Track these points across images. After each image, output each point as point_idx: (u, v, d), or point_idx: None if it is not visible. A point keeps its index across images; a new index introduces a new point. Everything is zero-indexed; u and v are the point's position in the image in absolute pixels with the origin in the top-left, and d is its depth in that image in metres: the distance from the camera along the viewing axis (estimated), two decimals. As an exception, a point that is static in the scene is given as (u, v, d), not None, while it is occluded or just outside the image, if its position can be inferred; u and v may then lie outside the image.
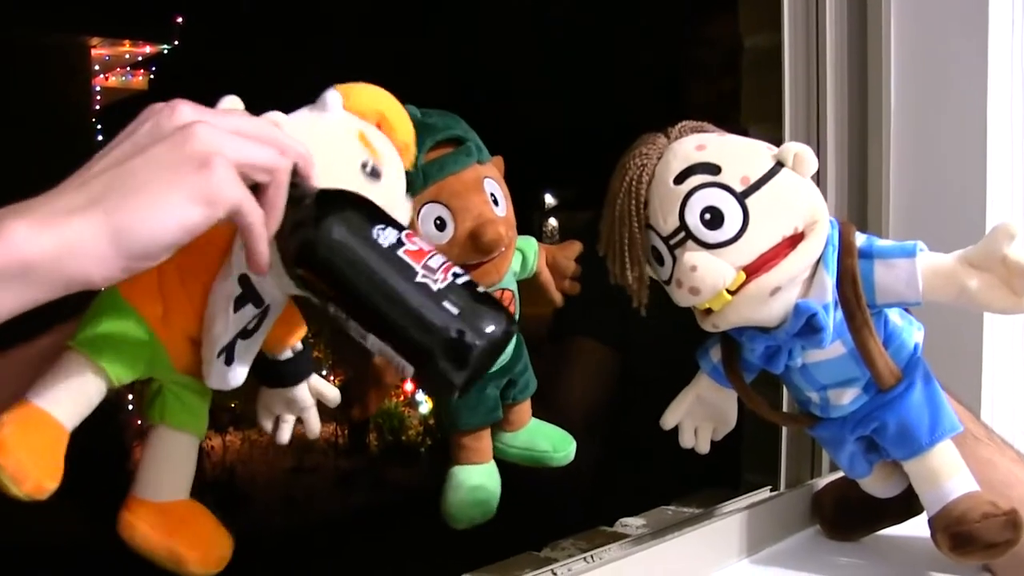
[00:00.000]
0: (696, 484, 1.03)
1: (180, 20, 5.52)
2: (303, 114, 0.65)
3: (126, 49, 5.84)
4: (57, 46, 5.15)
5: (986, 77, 1.07)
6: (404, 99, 0.72)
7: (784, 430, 1.02)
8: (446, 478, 0.83)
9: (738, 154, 0.71)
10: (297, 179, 0.56)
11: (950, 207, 1.09)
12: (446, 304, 0.53)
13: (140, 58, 6.05)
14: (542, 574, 0.76)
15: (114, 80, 6.18)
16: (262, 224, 0.53)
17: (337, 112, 0.65)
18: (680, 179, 0.70)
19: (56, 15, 4.77)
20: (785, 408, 0.97)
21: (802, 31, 1.05)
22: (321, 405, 0.73)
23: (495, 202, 0.75)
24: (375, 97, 0.68)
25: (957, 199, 1.09)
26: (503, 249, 0.75)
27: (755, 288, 0.69)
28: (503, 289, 0.80)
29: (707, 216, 0.69)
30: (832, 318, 0.71)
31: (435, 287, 0.53)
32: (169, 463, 0.64)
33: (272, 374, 0.70)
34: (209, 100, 0.64)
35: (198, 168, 0.49)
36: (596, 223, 0.77)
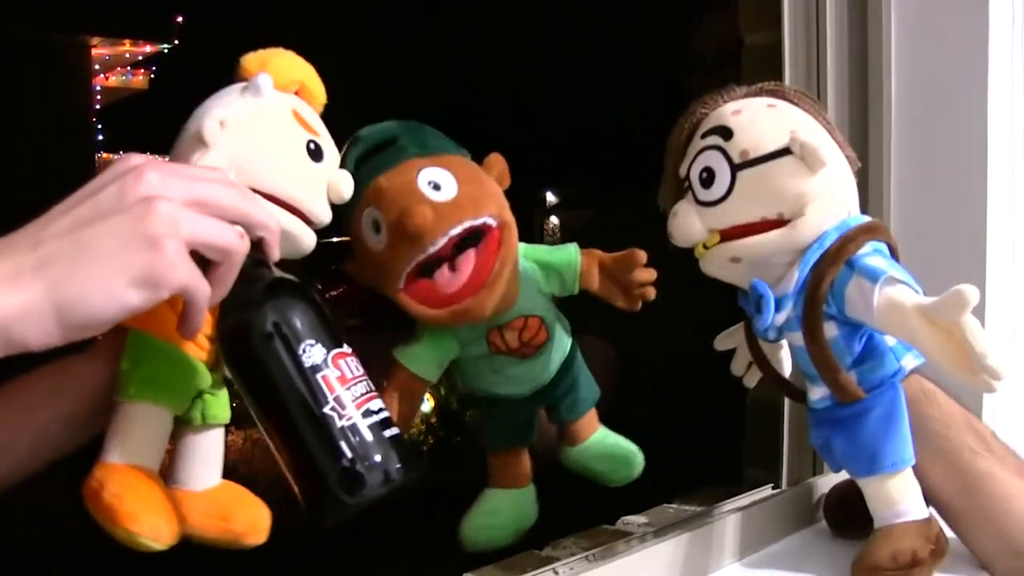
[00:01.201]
0: (697, 481, 1.03)
1: (180, 20, 5.52)
2: (242, 104, 0.65)
3: (126, 48, 5.85)
4: (57, 46, 5.15)
5: (987, 74, 1.07)
6: (404, 97, 0.71)
7: (786, 428, 1.02)
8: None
9: (757, 128, 0.74)
10: (260, 255, 0.56)
11: (951, 204, 1.09)
12: (342, 445, 0.53)
13: (140, 57, 6.06)
14: (544, 573, 0.75)
15: (114, 79, 6.19)
16: (205, 301, 0.53)
17: (270, 95, 0.65)
18: (704, 135, 0.76)
19: (56, 15, 4.77)
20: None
21: (802, 29, 1.05)
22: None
23: (436, 188, 0.69)
24: (293, 67, 0.69)
25: (958, 196, 1.09)
26: (448, 236, 0.68)
27: (717, 252, 0.75)
28: (527, 316, 0.76)
29: (704, 175, 0.74)
30: (788, 310, 0.74)
31: (338, 424, 0.53)
32: (211, 454, 0.67)
33: None
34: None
35: (148, 249, 0.49)
36: (599, 220, 0.77)
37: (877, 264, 0.71)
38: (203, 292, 0.52)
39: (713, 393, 1.00)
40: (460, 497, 0.88)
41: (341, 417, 0.53)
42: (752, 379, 0.90)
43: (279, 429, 0.55)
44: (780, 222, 0.72)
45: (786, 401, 1.01)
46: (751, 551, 0.88)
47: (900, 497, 0.76)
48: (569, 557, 0.78)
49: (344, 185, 0.68)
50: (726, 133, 0.74)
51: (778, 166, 0.72)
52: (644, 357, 1.32)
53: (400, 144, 0.71)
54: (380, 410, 0.55)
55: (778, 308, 0.74)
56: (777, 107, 0.76)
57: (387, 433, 0.54)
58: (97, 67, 5.84)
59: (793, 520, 0.95)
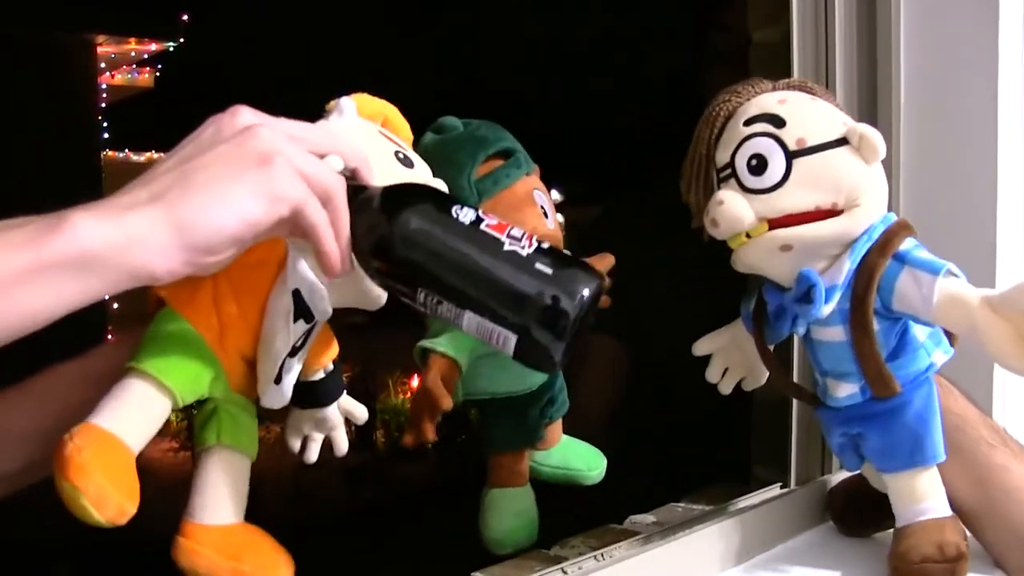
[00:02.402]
0: (705, 480, 1.03)
1: (186, 18, 5.53)
2: (330, 123, 0.65)
3: (132, 47, 5.85)
4: (63, 44, 5.16)
5: (996, 68, 1.06)
6: (406, 95, 0.71)
7: (795, 426, 1.02)
8: (483, 501, 0.83)
9: (809, 117, 0.74)
10: (359, 183, 0.57)
11: (961, 200, 1.08)
12: (539, 266, 0.53)
13: (146, 56, 6.06)
14: (552, 572, 0.75)
15: (120, 78, 6.19)
16: (327, 224, 0.53)
17: (354, 117, 0.66)
18: (749, 122, 0.74)
19: (62, 13, 4.78)
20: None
21: (811, 24, 1.05)
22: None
23: (544, 214, 0.75)
24: (375, 102, 0.69)
25: (967, 192, 1.08)
26: None
27: (768, 238, 0.72)
28: None
29: (753, 162, 0.72)
30: (835, 301, 0.73)
31: (524, 253, 0.53)
32: (227, 485, 0.62)
33: (305, 394, 0.68)
34: (215, 97, 0.64)
35: (260, 164, 0.50)
36: (604, 218, 0.76)
37: (930, 257, 0.72)
38: (321, 213, 0.52)
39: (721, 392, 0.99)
40: (463, 497, 0.87)
41: (522, 248, 0.53)
42: (728, 385, 0.88)
43: (470, 294, 0.54)
44: (832, 211, 0.72)
45: (795, 399, 1.01)
46: (760, 550, 0.88)
47: (928, 494, 0.76)
48: (577, 556, 0.78)
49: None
50: (777, 121, 0.73)
51: (835, 155, 0.72)
52: (651, 355, 1.32)
53: (517, 158, 0.75)
54: (544, 240, 0.55)
55: (826, 299, 0.73)
56: (817, 101, 0.76)
57: (566, 252, 0.55)
58: (103, 65, 5.84)
59: (802, 519, 0.94)
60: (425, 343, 0.73)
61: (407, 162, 0.66)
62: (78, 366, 0.67)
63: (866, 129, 0.72)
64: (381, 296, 0.64)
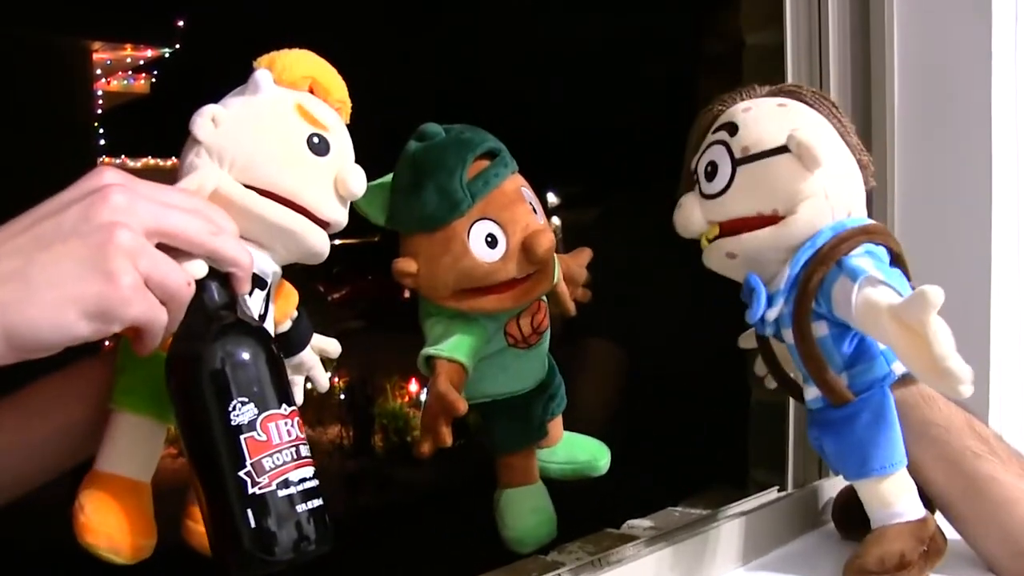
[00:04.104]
0: (702, 484, 1.03)
1: (181, 24, 5.53)
2: (237, 102, 0.63)
3: (128, 53, 5.85)
4: (58, 50, 5.15)
5: (990, 74, 1.06)
6: (406, 96, 0.71)
7: (791, 430, 1.02)
8: (498, 504, 0.83)
9: (760, 125, 0.75)
10: (230, 290, 0.56)
11: (955, 203, 1.08)
12: (249, 513, 0.52)
13: (142, 62, 6.06)
14: (549, 578, 0.75)
15: (116, 84, 6.19)
16: (161, 329, 0.52)
17: (270, 91, 0.63)
18: (716, 130, 0.77)
19: (57, 19, 4.78)
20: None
21: (804, 29, 1.05)
22: (326, 413, 0.74)
23: (534, 210, 0.75)
24: (302, 63, 0.66)
25: (962, 195, 1.08)
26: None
27: (715, 246, 0.76)
28: (538, 300, 0.79)
29: (708, 168, 0.76)
30: (779, 307, 0.74)
31: (249, 490, 0.52)
32: None
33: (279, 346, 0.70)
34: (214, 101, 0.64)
35: (103, 281, 0.49)
36: (602, 221, 0.76)
37: (861, 264, 0.70)
38: (158, 322, 0.52)
39: (718, 395, 0.99)
40: (463, 502, 0.87)
41: (254, 484, 0.52)
42: (773, 381, 0.88)
43: (198, 470, 0.54)
44: (775, 218, 0.73)
45: (791, 403, 1.01)
46: (757, 554, 0.88)
47: (894, 498, 0.76)
48: (575, 562, 0.78)
49: (354, 180, 0.64)
50: (733, 129, 0.75)
51: (776, 163, 0.73)
52: (650, 360, 1.32)
53: (503, 158, 0.75)
54: (302, 480, 0.54)
55: (770, 304, 0.74)
56: (788, 107, 0.77)
57: (301, 507, 0.54)
58: (99, 71, 5.84)
59: (799, 523, 0.94)
60: (429, 350, 0.73)
61: (321, 147, 0.63)
62: (67, 381, 0.67)
63: (803, 136, 0.72)
64: (323, 250, 0.65)
